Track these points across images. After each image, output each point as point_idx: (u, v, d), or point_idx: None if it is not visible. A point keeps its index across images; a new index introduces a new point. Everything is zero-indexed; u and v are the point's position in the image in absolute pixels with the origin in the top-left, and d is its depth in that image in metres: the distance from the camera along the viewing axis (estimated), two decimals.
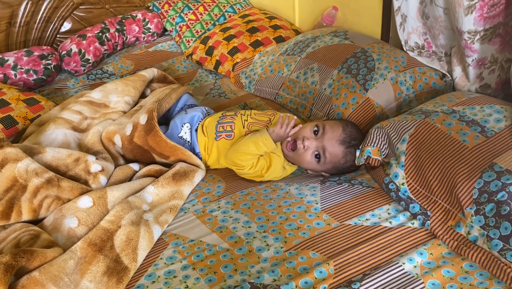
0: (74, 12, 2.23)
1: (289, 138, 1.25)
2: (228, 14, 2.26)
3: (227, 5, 2.29)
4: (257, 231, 1.07)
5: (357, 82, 1.47)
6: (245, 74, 1.86)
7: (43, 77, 1.95)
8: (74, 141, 1.38)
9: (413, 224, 1.07)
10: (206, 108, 1.46)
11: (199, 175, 1.28)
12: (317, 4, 2.01)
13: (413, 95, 1.48)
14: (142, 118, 1.32)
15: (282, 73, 1.72)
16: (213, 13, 2.26)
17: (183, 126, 1.38)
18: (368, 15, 1.79)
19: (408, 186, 1.13)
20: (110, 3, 2.31)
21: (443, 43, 1.54)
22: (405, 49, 1.60)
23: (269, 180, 1.27)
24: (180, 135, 1.37)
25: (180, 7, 2.31)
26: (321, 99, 1.53)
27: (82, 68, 2.04)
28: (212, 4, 2.30)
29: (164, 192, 1.19)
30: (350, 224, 1.08)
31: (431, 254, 0.99)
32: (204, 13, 2.27)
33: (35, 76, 1.93)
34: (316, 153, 1.23)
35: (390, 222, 1.08)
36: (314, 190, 1.20)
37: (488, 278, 0.93)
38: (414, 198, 1.11)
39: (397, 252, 1.00)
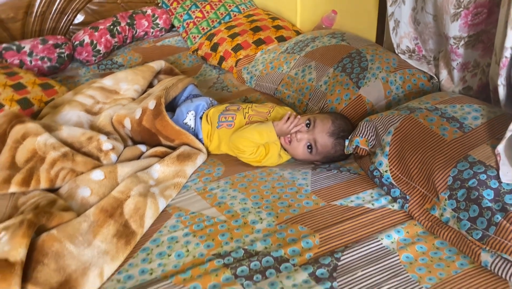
0: (88, 5, 2.35)
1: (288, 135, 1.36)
2: (233, 14, 2.38)
3: (233, 5, 2.41)
4: (252, 207, 1.19)
5: (350, 80, 1.59)
6: (247, 70, 1.98)
7: (57, 65, 2.07)
8: (86, 123, 1.49)
9: (393, 206, 1.19)
10: (211, 99, 1.57)
11: (201, 158, 1.39)
12: (318, 7, 2.13)
13: (402, 94, 1.60)
14: (151, 104, 1.44)
15: (282, 70, 1.83)
16: (219, 12, 2.38)
17: (188, 113, 1.49)
18: (364, 20, 1.91)
19: (390, 173, 1.24)
20: None
21: (432, 48, 1.66)
22: (397, 52, 1.71)
23: (265, 165, 1.38)
24: (185, 121, 1.48)
25: (188, 5, 2.42)
26: (317, 95, 1.65)
27: (93, 58, 2.16)
28: (219, 4, 2.42)
29: (169, 170, 1.30)
30: (336, 204, 1.19)
31: (407, 232, 1.11)
32: (211, 11, 2.39)
33: (49, 64, 2.04)
34: (308, 144, 1.35)
35: (372, 204, 1.19)
36: (306, 175, 1.32)
37: (456, 253, 1.04)
38: (395, 184, 1.22)
39: (377, 229, 1.11)
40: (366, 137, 1.33)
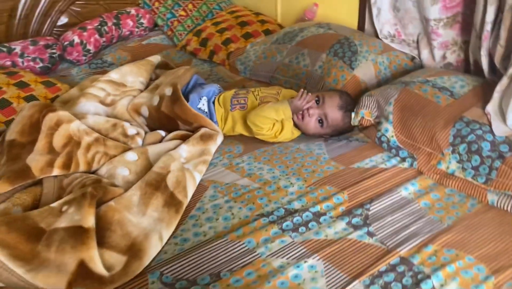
0: (71, 7, 2.37)
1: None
2: (215, 11, 2.48)
3: (214, 3, 2.52)
4: (280, 174, 1.30)
5: (344, 63, 1.75)
6: (240, 61, 2.09)
7: (49, 65, 2.08)
8: (104, 113, 1.54)
9: (403, 165, 1.35)
10: (218, 86, 1.67)
11: (219, 138, 1.48)
12: (298, 2, 2.28)
13: (389, 74, 1.77)
14: (168, 91, 1.52)
15: (276, 59, 1.96)
16: (202, 10, 2.48)
17: (201, 99, 1.58)
18: (345, 11, 2.08)
19: (396, 138, 1.40)
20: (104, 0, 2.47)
21: (412, 32, 1.84)
22: (380, 37, 1.89)
23: (280, 141, 1.50)
24: (198, 106, 1.57)
25: (170, 4, 2.50)
26: (314, 79, 1.79)
27: (84, 58, 2.19)
28: (200, 2, 2.51)
29: (195, 149, 1.39)
30: (354, 167, 1.33)
31: (420, 184, 1.26)
32: (193, 9, 2.48)
33: (41, 64, 2.06)
34: (319, 118, 1.48)
35: (385, 164, 1.34)
36: (320, 146, 1.45)
37: (465, 197, 1.21)
38: (402, 147, 1.38)
39: (394, 184, 1.26)
40: (370, 109, 1.49)
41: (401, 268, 0.98)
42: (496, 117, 1.29)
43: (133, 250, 1.00)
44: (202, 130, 1.47)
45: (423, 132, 1.36)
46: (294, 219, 1.13)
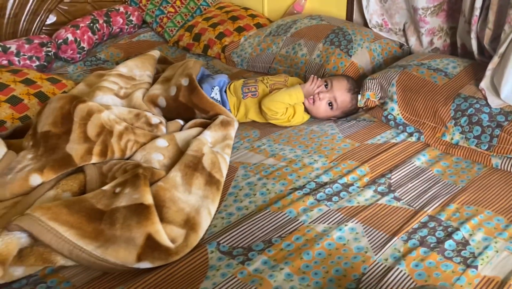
0: (59, 5, 2.37)
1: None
2: (203, 7, 2.55)
3: (201, 0, 2.58)
4: (302, 153, 1.40)
5: (341, 51, 1.87)
6: (236, 54, 2.17)
7: (45, 63, 2.08)
8: (120, 106, 1.58)
9: (411, 139, 1.48)
10: (227, 76, 1.75)
11: (236, 124, 1.56)
12: None
13: (382, 60, 1.91)
14: (184, 81, 1.58)
15: (272, 50, 2.06)
16: (190, 6, 2.54)
17: (213, 89, 1.66)
18: (333, 3, 2.20)
19: (402, 116, 1.53)
20: None
21: (398, 21, 1.99)
22: (370, 27, 2.03)
23: (293, 125, 1.60)
24: (211, 96, 1.64)
25: (158, 1, 2.54)
26: (313, 67, 1.90)
27: (78, 55, 2.20)
28: None
29: (217, 135, 1.46)
30: (368, 143, 1.45)
31: (429, 155, 1.40)
32: (182, 6, 2.53)
33: (37, 63, 2.05)
34: (329, 102, 1.59)
35: (395, 140, 1.47)
36: (332, 127, 1.56)
37: (471, 163, 1.36)
38: (408, 123, 1.51)
39: (407, 156, 1.39)
40: (374, 91, 1.61)
41: (431, 224, 1.10)
42: (489, 92, 1.45)
43: (189, 224, 1.06)
44: (220, 117, 1.54)
45: (426, 109, 1.49)
46: (326, 190, 1.23)
